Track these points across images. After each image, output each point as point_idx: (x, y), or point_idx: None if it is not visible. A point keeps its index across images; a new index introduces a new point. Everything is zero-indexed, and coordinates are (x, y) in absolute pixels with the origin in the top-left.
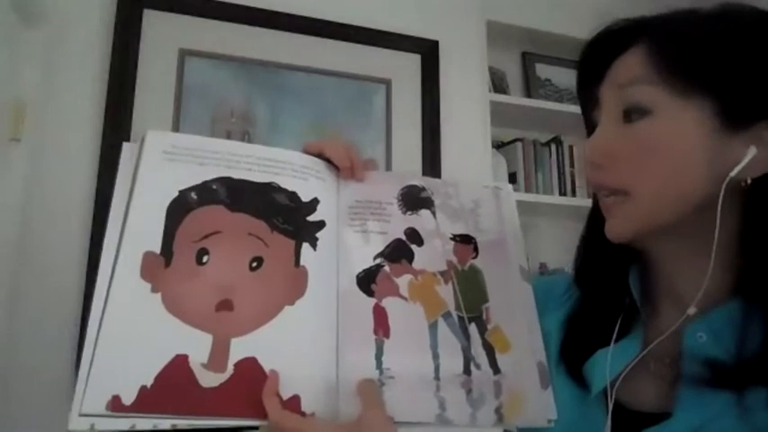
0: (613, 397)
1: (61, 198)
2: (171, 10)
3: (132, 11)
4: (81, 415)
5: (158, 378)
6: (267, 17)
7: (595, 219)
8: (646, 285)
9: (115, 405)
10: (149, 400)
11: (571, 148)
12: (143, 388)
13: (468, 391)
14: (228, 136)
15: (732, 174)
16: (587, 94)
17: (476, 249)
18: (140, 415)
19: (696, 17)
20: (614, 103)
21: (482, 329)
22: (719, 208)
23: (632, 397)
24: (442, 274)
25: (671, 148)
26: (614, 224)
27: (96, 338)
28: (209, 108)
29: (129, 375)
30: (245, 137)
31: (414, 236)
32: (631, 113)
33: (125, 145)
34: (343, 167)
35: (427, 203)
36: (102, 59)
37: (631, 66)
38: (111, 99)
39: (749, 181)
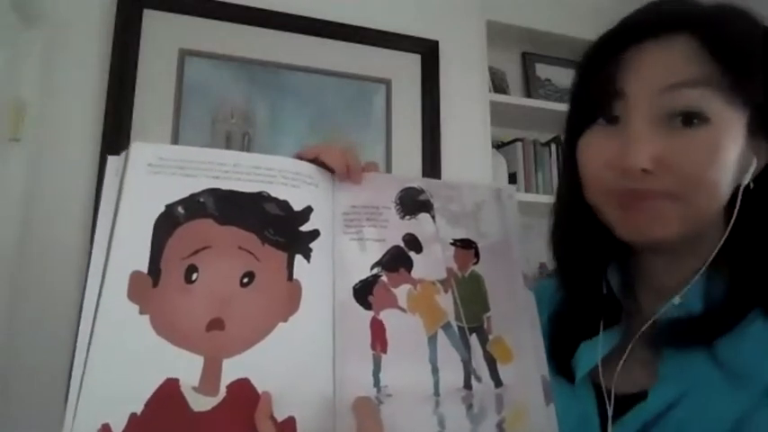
0: (599, 384)
1: (61, 198)
2: (171, 10)
3: (132, 11)
4: None
5: (148, 404)
6: (267, 17)
7: (573, 216)
8: (627, 278)
9: None
10: (139, 428)
11: None
12: (133, 415)
13: (469, 407)
14: (228, 136)
15: (744, 182)
16: (605, 84)
17: (477, 255)
18: None
19: (746, 17)
20: (658, 103)
21: (483, 340)
22: (736, 211)
23: (620, 382)
24: (442, 282)
25: (726, 156)
26: (659, 225)
27: (84, 364)
28: (209, 108)
29: (119, 402)
30: (246, 137)
31: (412, 242)
32: (685, 118)
33: (110, 159)
34: (340, 172)
35: (426, 207)
36: (102, 59)
37: (682, 62)
38: (111, 99)
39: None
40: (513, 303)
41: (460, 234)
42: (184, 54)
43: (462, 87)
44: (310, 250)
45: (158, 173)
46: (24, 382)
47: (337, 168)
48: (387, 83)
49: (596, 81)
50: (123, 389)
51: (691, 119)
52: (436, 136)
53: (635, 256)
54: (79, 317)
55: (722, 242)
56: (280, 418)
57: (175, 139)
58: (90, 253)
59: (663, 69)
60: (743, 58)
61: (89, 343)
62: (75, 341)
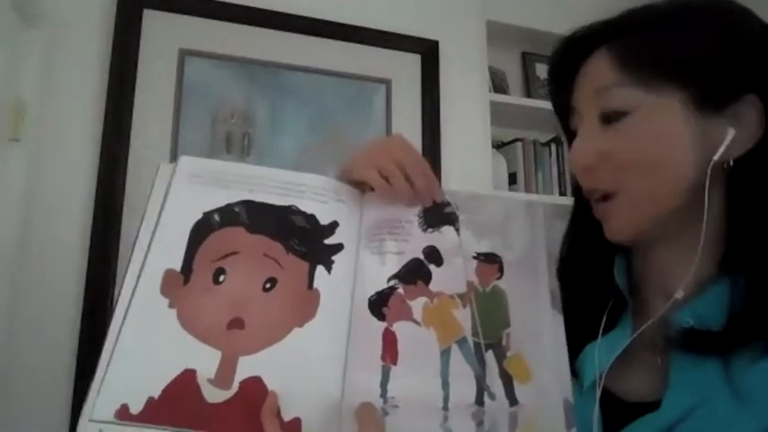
0: (601, 387)
1: (61, 198)
2: (171, 10)
3: (132, 11)
4: (91, 420)
5: (166, 390)
6: (267, 17)
7: (579, 215)
8: (632, 276)
9: (122, 414)
10: (155, 412)
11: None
12: (150, 399)
13: (479, 423)
14: (228, 136)
15: (716, 157)
16: (561, 104)
17: (501, 270)
18: (145, 425)
19: (651, 14)
20: (591, 110)
21: (500, 357)
22: (707, 190)
23: (625, 388)
24: (461, 296)
25: (652, 141)
26: (615, 226)
27: (113, 347)
28: (209, 108)
29: (139, 386)
30: (246, 137)
31: (433, 255)
32: (609, 116)
33: (161, 166)
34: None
35: (451, 219)
36: (102, 59)
37: (600, 72)
38: (111, 99)
39: (731, 162)
40: (536, 321)
41: (485, 247)
42: (184, 54)
43: (462, 87)
44: (332, 262)
45: (201, 183)
46: (24, 382)
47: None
48: (387, 83)
49: (554, 103)
50: (145, 373)
51: (610, 117)
52: (436, 136)
53: (639, 253)
54: (81, 314)
55: (705, 223)
56: (286, 417)
57: (175, 139)
58: (89, 253)
59: (590, 80)
60: (646, 52)
61: (120, 328)
62: (79, 336)
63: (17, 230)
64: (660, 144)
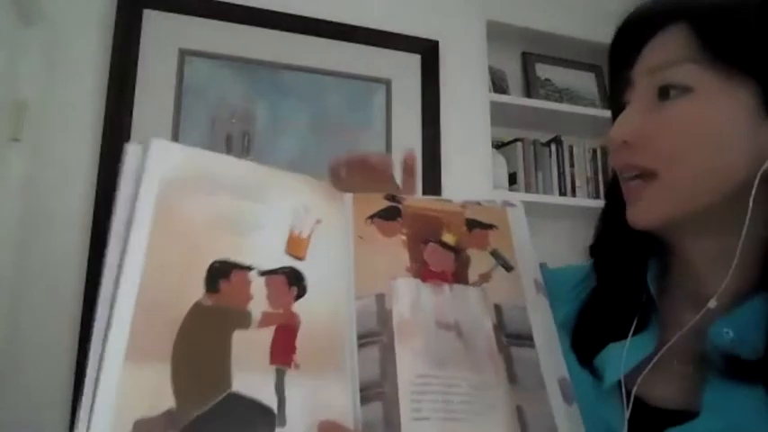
0: (632, 391)
1: (61, 198)
2: (171, 10)
3: (132, 11)
4: None
5: None
6: (267, 17)
7: (613, 204)
8: (665, 279)
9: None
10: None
11: (571, 148)
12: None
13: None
14: (229, 136)
15: (766, 165)
16: (619, 76)
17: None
18: None
19: (739, 1)
20: (649, 84)
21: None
22: (752, 196)
23: (652, 393)
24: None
25: (709, 128)
26: (640, 209)
27: (102, 350)
28: (209, 108)
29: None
30: (246, 137)
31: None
32: (669, 90)
33: (130, 148)
34: None
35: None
36: (102, 59)
37: (670, 46)
38: (111, 99)
39: None
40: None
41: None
42: (184, 54)
43: (462, 87)
44: None
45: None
46: (24, 383)
47: None
48: (387, 83)
49: (614, 77)
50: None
51: (669, 91)
52: (436, 136)
53: (673, 251)
54: (81, 314)
55: (744, 231)
56: None
57: (175, 140)
58: (89, 253)
59: (658, 52)
60: (731, 34)
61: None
62: (79, 336)
63: (17, 230)
64: (716, 133)
